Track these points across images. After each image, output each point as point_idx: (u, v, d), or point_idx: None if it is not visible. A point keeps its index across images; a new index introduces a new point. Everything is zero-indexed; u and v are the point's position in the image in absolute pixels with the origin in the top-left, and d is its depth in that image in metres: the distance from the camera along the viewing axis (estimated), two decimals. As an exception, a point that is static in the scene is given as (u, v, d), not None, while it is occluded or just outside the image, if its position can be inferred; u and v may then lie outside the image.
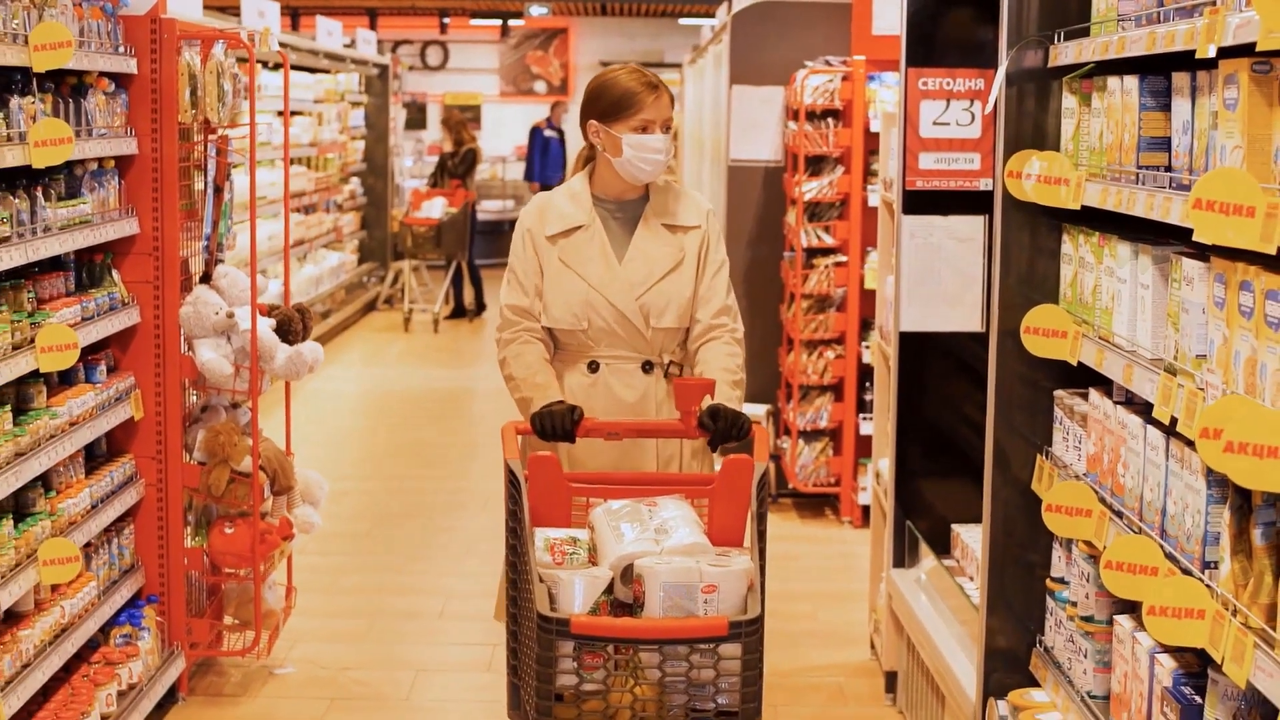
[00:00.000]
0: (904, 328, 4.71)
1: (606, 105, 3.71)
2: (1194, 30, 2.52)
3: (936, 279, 4.65)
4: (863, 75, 6.81)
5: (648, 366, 3.75)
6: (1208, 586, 2.49)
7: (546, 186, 16.90)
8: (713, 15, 14.61)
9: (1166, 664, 2.75)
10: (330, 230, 13.00)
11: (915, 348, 4.77)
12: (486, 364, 11.45)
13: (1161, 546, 2.71)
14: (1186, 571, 2.58)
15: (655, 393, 3.74)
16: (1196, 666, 2.70)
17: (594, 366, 3.74)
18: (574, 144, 18.18)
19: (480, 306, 13.80)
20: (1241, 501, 2.43)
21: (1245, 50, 2.33)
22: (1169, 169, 2.82)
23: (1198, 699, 2.63)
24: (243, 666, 5.05)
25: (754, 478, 3.23)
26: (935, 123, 4.62)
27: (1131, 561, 2.67)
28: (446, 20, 20.40)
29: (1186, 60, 2.65)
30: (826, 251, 7.05)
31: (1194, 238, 2.39)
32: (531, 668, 2.94)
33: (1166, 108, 2.83)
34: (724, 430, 3.46)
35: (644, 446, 3.74)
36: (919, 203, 4.66)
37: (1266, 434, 2.10)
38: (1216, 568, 2.51)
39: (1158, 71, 2.88)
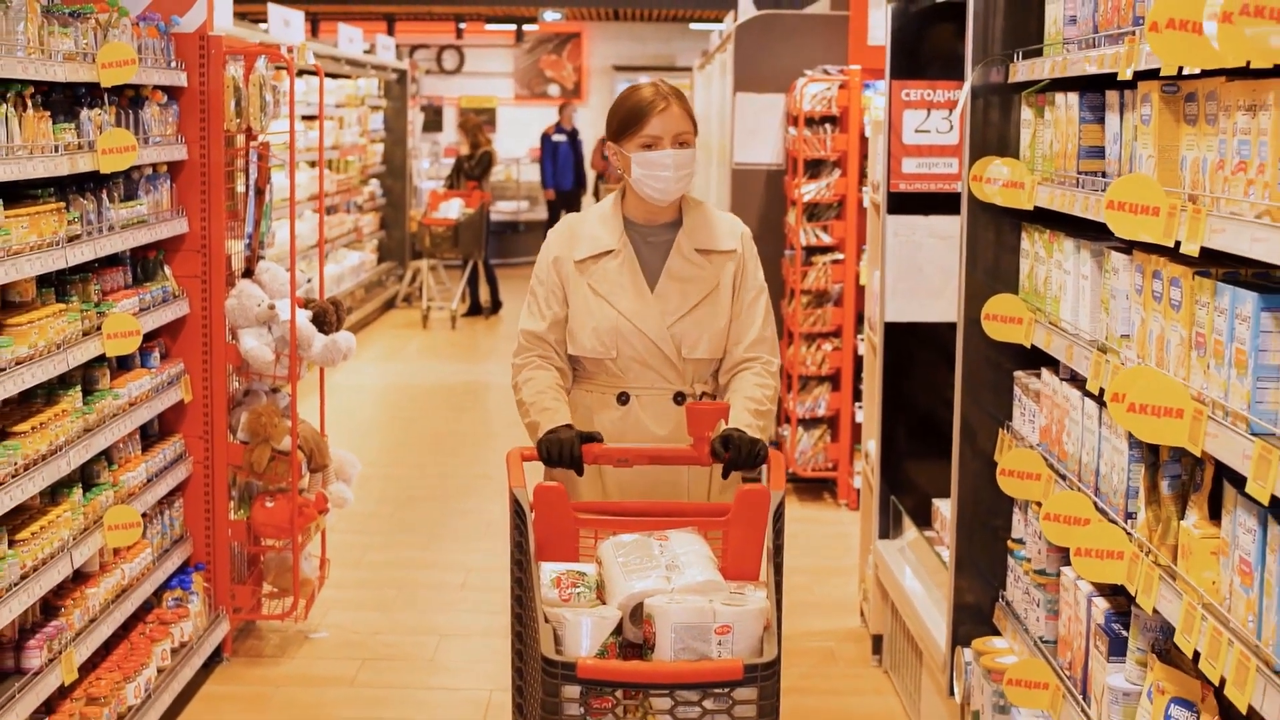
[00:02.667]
0: (889, 319, 5.13)
1: (617, 123, 3.56)
2: (1118, 55, 2.93)
3: (919, 274, 5.08)
4: (858, 84, 7.22)
5: (680, 398, 3.57)
6: (1127, 533, 2.91)
7: (560, 191, 17.24)
8: (721, 20, 15.03)
9: (1100, 605, 3.16)
10: (351, 230, 13.44)
11: (900, 337, 5.19)
12: (502, 359, 11.86)
13: (1095, 502, 3.13)
14: (1112, 521, 3.00)
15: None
16: (1125, 607, 3.11)
17: (624, 398, 3.57)
18: (587, 144, 18.59)
19: (496, 304, 14.22)
20: (1154, 459, 2.84)
21: (1157, 74, 2.74)
22: (1104, 175, 3.23)
23: (1124, 632, 3.04)
24: (281, 631, 5.48)
25: (770, 508, 3.09)
26: (917, 130, 5.05)
27: (1066, 514, 3.09)
28: (462, 25, 20.84)
29: (1118, 80, 3.06)
30: (824, 250, 7.47)
31: (1120, 235, 2.80)
32: (536, 712, 2.82)
33: (1101, 121, 3.24)
34: (735, 459, 3.30)
35: (675, 477, 3.56)
36: (903, 204, 5.10)
37: (1161, 397, 2.52)
38: (1135, 517, 2.93)
39: (1097, 89, 3.29)
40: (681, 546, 3.06)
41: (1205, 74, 2.56)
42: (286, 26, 10.96)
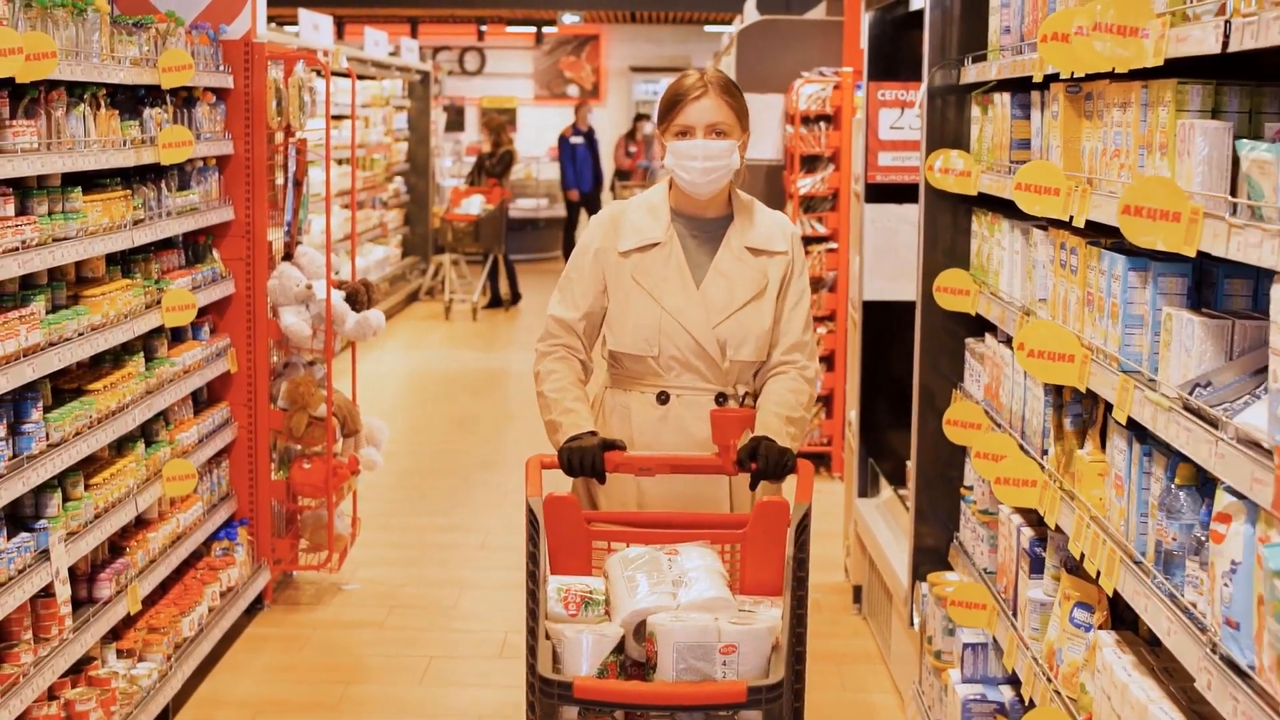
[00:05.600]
0: (867, 298, 5.66)
1: (660, 111, 3.48)
2: (1034, 61, 3.45)
3: (894, 256, 5.60)
4: (851, 84, 7.73)
5: (721, 399, 3.46)
6: (1040, 465, 3.43)
7: (583, 193, 17.58)
8: (731, 23, 15.56)
9: (1026, 533, 3.67)
10: (376, 226, 14.01)
11: (877, 315, 5.71)
12: (520, 349, 12.43)
13: (1020, 443, 3.65)
14: (1030, 457, 3.52)
15: None
16: (1044, 534, 3.62)
17: (664, 398, 3.45)
18: (604, 144, 19.06)
19: (515, 297, 14.77)
20: (1060, 401, 3.37)
21: (1062, 77, 3.26)
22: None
23: (1043, 554, 3.56)
24: (316, 582, 6.03)
25: (793, 521, 2.96)
26: (892, 127, 5.57)
27: (991, 451, 3.60)
28: (483, 28, 21.42)
29: (1033, 82, 3.58)
30: (820, 240, 7.99)
31: (1026, 211, 3.32)
32: None
33: (1028, 117, 3.76)
34: (763, 469, 3.21)
35: (715, 487, 3.46)
36: (879, 193, 5.63)
37: (1054, 344, 3.04)
38: (1049, 453, 3.45)
39: (1026, 90, 3.80)
40: (690, 561, 2.97)
41: (1093, 77, 3.07)
42: (316, 30, 11.52)
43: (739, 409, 3.37)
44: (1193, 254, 2.37)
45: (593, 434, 3.30)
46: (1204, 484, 2.55)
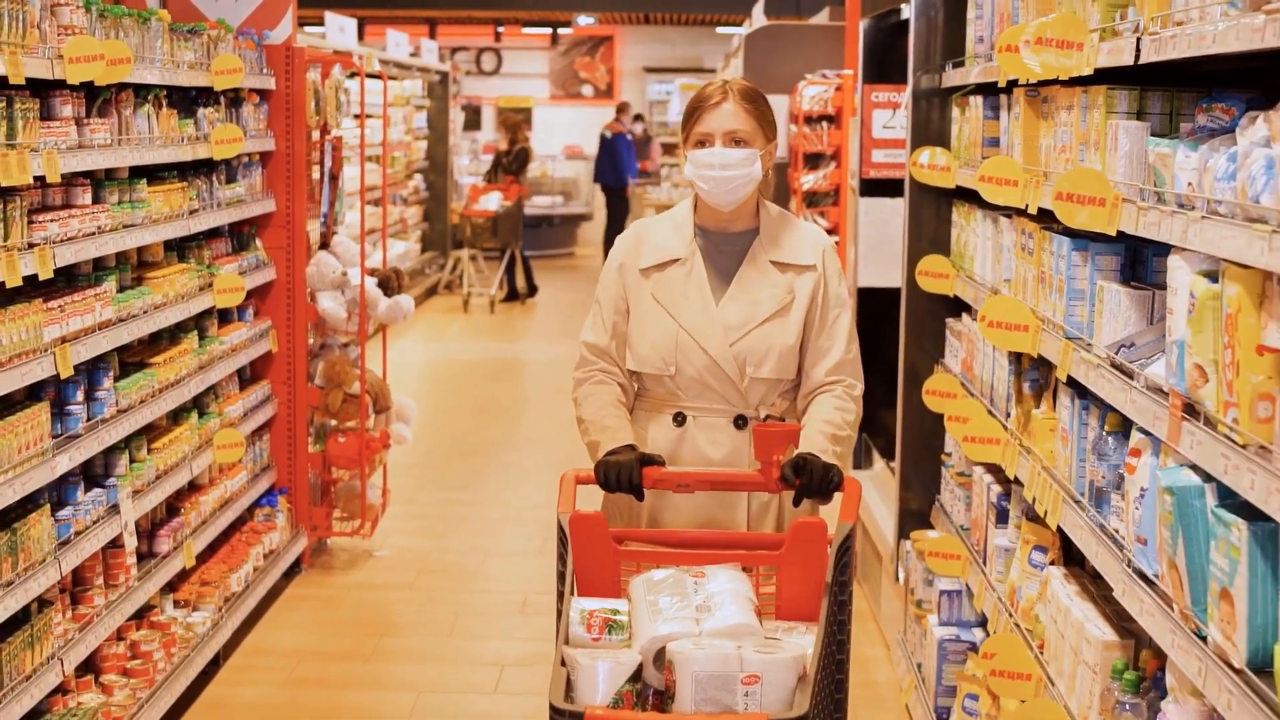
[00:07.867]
0: (861, 285, 6.10)
1: (682, 120, 3.37)
2: (998, 68, 3.88)
3: (887, 246, 6.04)
4: (852, 86, 8.14)
5: (740, 421, 3.32)
6: (1003, 426, 3.87)
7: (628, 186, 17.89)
8: (741, 24, 15.99)
9: (994, 489, 4.11)
10: (396, 222, 14.47)
11: (871, 300, 6.15)
12: (537, 339, 12.89)
13: (989, 409, 4.09)
14: (995, 419, 3.96)
15: (748, 450, 3.30)
16: (1009, 489, 4.06)
17: (680, 419, 3.33)
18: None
19: (531, 290, 15.22)
20: (1021, 369, 3.81)
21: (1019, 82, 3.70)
22: (1000, 159, 4.18)
23: (1007, 506, 4.00)
24: (349, 549, 6.49)
25: (834, 542, 2.84)
26: (885, 126, 6.01)
27: (961, 415, 4.04)
28: (500, 29, 21.87)
29: (997, 87, 4.01)
30: (822, 233, 8.43)
31: (989, 200, 3.75)
32: None
33: (997, 117, 4.20)
34: (807, 486, 3.04)
35: (734, 509, 3.33)
36: (873, 188, 6.06)
37: (1012, 316, 3.49)
38: (1011, 415, 3.89)
39: (996, 93, 4.24)
40: (718, 585, 2.85)
41: (1048, 82, 3.51)
42: (341, 32, 11.97)
43: (782, 424, 3.24)
44: (1114, 233, 2.81)
45: (631, 448, 3.17)
46: (1126, 430, 2.99)
